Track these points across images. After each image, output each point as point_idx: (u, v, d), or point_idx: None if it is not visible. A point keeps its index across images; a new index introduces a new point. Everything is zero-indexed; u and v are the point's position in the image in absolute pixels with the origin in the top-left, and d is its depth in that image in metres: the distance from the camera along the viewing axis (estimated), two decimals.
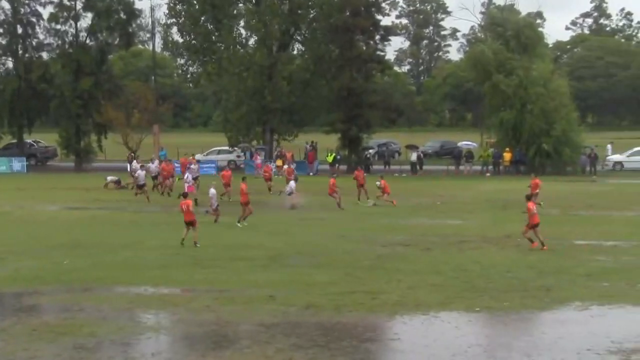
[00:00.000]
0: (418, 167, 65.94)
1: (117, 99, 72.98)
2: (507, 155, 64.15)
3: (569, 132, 64.89)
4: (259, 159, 62.99)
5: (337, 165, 65.04)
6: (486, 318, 19.42)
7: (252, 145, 71.99)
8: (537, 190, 39.19)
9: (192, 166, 48.60)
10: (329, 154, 66.65)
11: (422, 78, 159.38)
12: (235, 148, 71.81)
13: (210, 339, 17.59)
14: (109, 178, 53.17)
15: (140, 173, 46.66)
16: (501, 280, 23.34)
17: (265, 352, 16.46)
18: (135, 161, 54.61)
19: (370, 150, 71.31)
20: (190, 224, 29.28)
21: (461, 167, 65.64)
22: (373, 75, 72.88)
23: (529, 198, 29.40)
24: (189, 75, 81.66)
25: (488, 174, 63.88)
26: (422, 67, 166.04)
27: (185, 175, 44.79)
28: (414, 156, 66.88)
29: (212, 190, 36.24)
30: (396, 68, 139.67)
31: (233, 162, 69.29)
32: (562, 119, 64.62)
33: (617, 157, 67.57)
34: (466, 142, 73.23)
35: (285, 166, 53.13)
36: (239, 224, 34.81)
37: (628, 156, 66.74)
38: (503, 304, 20.38)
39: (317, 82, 71.81)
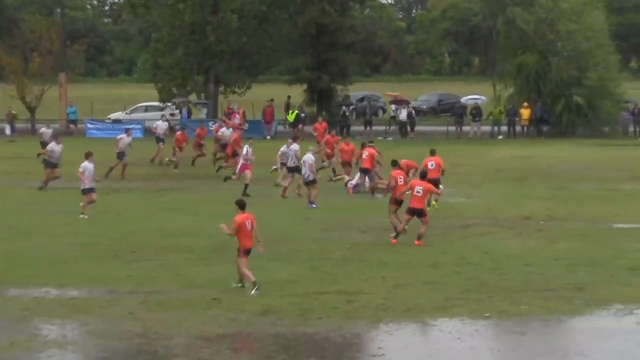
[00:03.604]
0: (409, 128, 65.97)
1: (11, 39, 72.36)
2: (526, 112, 64.17)
3: (607, 81, 65.00)
4: (237, 119, 59.27)
5: (300, 125, 64.73)
6: (498, 326, 19.47)
7: (189, 100, 71.36)
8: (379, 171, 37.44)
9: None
10: (291, 112, 66.44)
11: (414, 11, 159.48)
12: (168, 104, 71.36)
13: (134, 356, 17.56)
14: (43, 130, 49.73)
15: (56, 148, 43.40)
16: (518, 276, 23.39)
17: None
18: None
19: (349, 107, 71.13)
20: (248, 252, 22.56)
21: (465, 128, 65.76)
22: (350, 7, 72.67)
23: (395, 163, 29.29)
24: (106, 7, 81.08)
25: (500, 137, 64.05)
26: None
27: (244, 151, 39.34)
28: (403, 114, 66.82)
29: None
30: None
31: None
32: (598, 64, 64.71)
33: None
34: (472, 96, 73.10)
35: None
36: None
37: None
38: (520, 307, 20.44)
39: (276, 17, 71.36)
